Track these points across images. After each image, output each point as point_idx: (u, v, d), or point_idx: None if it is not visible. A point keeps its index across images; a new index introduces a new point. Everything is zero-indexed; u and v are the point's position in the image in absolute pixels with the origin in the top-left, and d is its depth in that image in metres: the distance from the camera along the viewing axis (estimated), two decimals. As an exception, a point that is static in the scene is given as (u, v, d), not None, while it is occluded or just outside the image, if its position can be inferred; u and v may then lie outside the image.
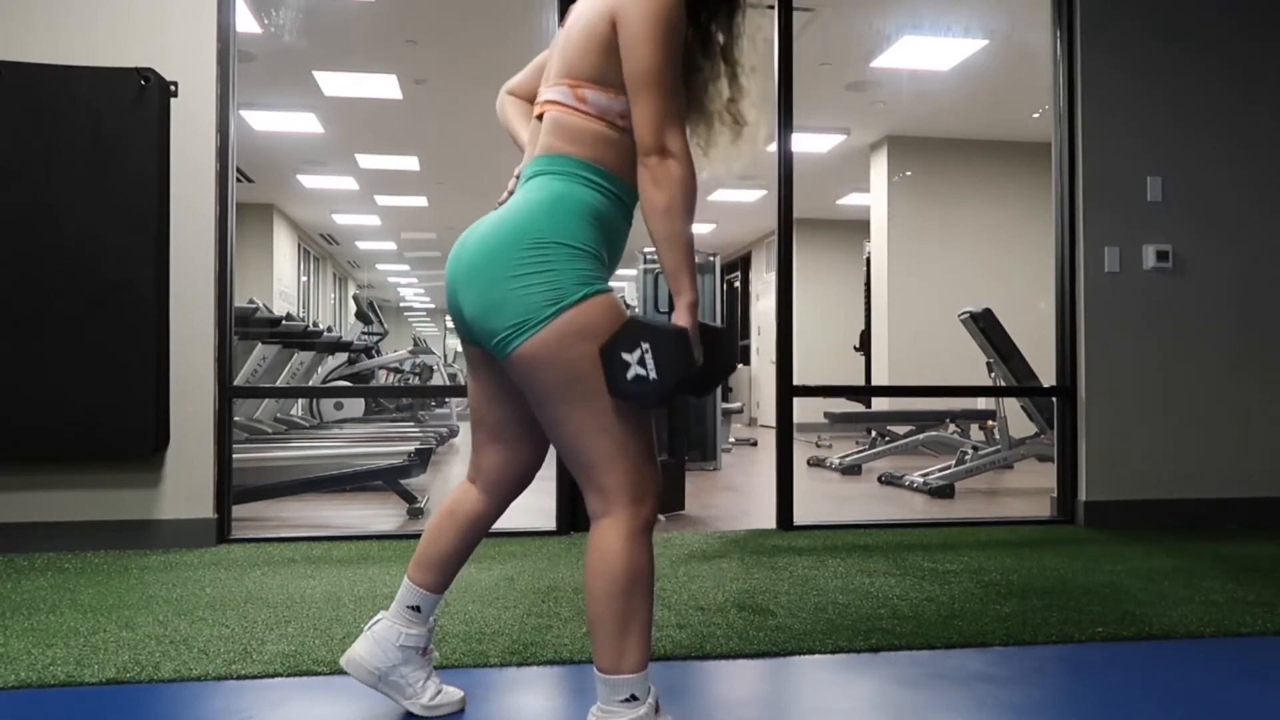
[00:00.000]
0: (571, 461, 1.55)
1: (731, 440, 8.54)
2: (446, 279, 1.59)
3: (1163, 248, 4.08)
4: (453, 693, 1.82)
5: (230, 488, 3.60)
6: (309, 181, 10.48)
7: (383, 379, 11.15)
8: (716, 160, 1.71)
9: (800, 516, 3.99)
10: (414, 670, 1.76)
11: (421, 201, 11.49)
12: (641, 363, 1.44)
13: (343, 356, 9.31)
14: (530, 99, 1.81)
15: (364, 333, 9.76)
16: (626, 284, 15.49)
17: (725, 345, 1.59)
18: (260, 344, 6.57)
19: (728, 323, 13.78)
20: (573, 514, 3.76)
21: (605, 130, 1.55)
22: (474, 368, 1.71)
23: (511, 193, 1.67)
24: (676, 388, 1.46)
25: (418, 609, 1.76)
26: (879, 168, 8.62)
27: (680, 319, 1.49)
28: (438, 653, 2.10)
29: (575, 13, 1.61)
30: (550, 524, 3.76)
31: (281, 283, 12.27)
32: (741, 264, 14.10)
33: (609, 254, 1.57)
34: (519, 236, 1.49)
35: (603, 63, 1.53)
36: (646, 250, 6.65)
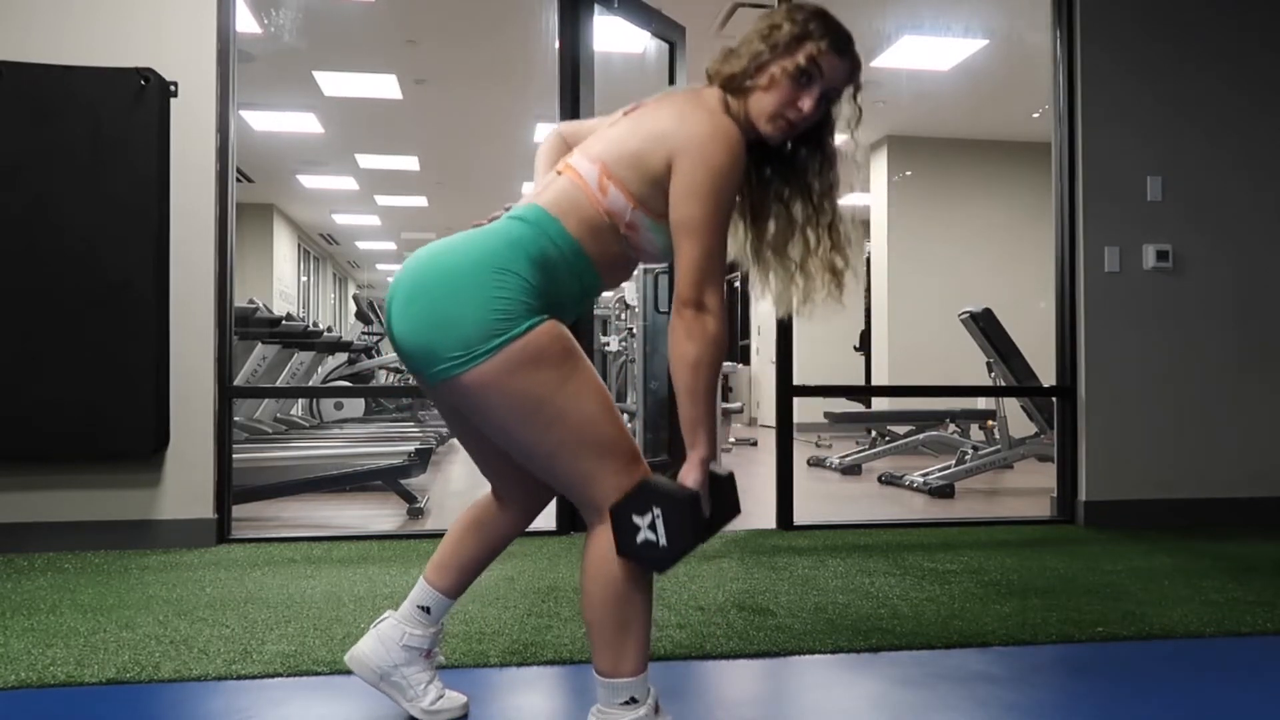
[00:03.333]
0: (552, 482, 1.55)
1: (731, 440, 8.54)
2: (389, 295, 1.55)
3: (1163, 248, 4.08)
4: (456, 697, 1.81)
5: (230, 488, 3.59)
6: (309, 181, 10.48)
7: (383, 379, 11.15)
8: (809, 306, 1.68)
9: (800, 516, 3.99)
10: (417, 672, 1.76)
11: (421, 201, 11.49)
12: (652, 527, 1.43)
13: (343, 356, 9.30)
14: (574, 145, 1.77)
15: (364, 333, 9.76)
16: (628, 284, 15.45)
17: (729, 493, 1.58)
18: (260, 344, 6.57)
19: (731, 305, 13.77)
20: (573, 514, 3.76)
21: (605, 223, 1.54)
22: (442, 409, 1.68)
23: (492, 219, 1.66)
24: (687, 552, 1.44)
25: (427, 610, 1.76)
26: (879, 168, 8.62)
27: (691, 475, 1.47)
28: (442, 657, 2.10)
29: (640, 121, 1.57)
30: (550, 524, 3.76)
31: (281, 283, 12.27)
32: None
33: (551, 307, 1.51)
34: (480, 263, 1.46)
35: (642, 185, 1.52)
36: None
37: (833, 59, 1.59)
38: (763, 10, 1.66)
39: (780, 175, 1.69)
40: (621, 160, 1.53)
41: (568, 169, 1.59)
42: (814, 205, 1.67)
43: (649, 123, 1.56)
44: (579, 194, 1.55)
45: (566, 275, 1.53)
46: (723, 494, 1.55)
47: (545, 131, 8.62)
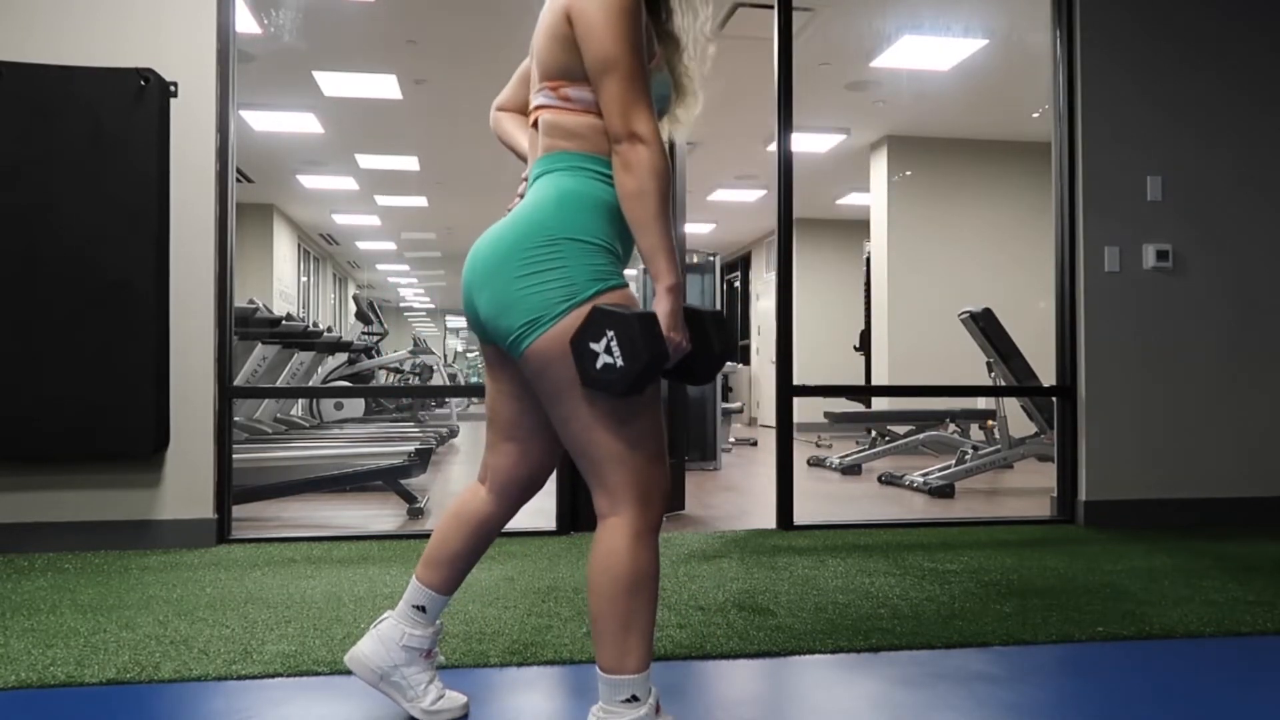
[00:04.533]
0: (580, 459, 1.55)
1: (731, 440, 8.54)
2: (463, 284, 1.60)
3: (1163, 248, 4.08)
4: (456, 697, 1.81)
5: (230, 488, 3.60)
6: (309, 181, 10.48)
7: (383, 379, 11.15)
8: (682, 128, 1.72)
9: (800, 516, 3.99)
10: (417, 672, 1.76)
11: (421, 201, 11.48)
12: (609, 350, 1.43)
13: (343, 356, 9.31)
14: (520, 110, 1.82)
15: (364, 333, 9.76)
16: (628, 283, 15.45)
17: (717, 331, 1.56)
18: (260, 344, 6.57)
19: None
20: (573, 514, 3.76)
21: (596, 120, 1.55)
22: (490, 366, 1.72)
23: (521, 195, 1.68)
24: (647, 373, 1.43)
25: (423, 609, 1.76)
26: (879, 167, 8.62)
27: (661, 303, 1.47)
28: (443, 656, 2.10)
29: (540, 18, 1.62)
30: (550, 524, 3.76)
31: (281, 283, 12.27)
32: (741, 264, 14.10)
33: (622, 245, 1.57)
34: (530, 235, 1.50)
35: (569, 59, 1.54)
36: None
37: None
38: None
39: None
40: (549, 59, 1.55)
41: (535, 111, 1.62)
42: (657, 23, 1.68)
43: (545, 14, 1.58)
44: (558, 117, 1.56)
45: (614, 196, 1.53)
46: (708, 329, 1.55)
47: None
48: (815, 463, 6.82)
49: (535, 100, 1.62)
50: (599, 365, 1.43)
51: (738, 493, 5.26)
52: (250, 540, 3.56)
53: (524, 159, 1.78)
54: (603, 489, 1.52)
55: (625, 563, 1.48)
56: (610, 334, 1.43)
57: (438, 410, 10.67)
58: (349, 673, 1.79)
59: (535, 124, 1.62)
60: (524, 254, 1.49)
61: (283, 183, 10.52)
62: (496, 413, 1.73)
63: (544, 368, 1.49)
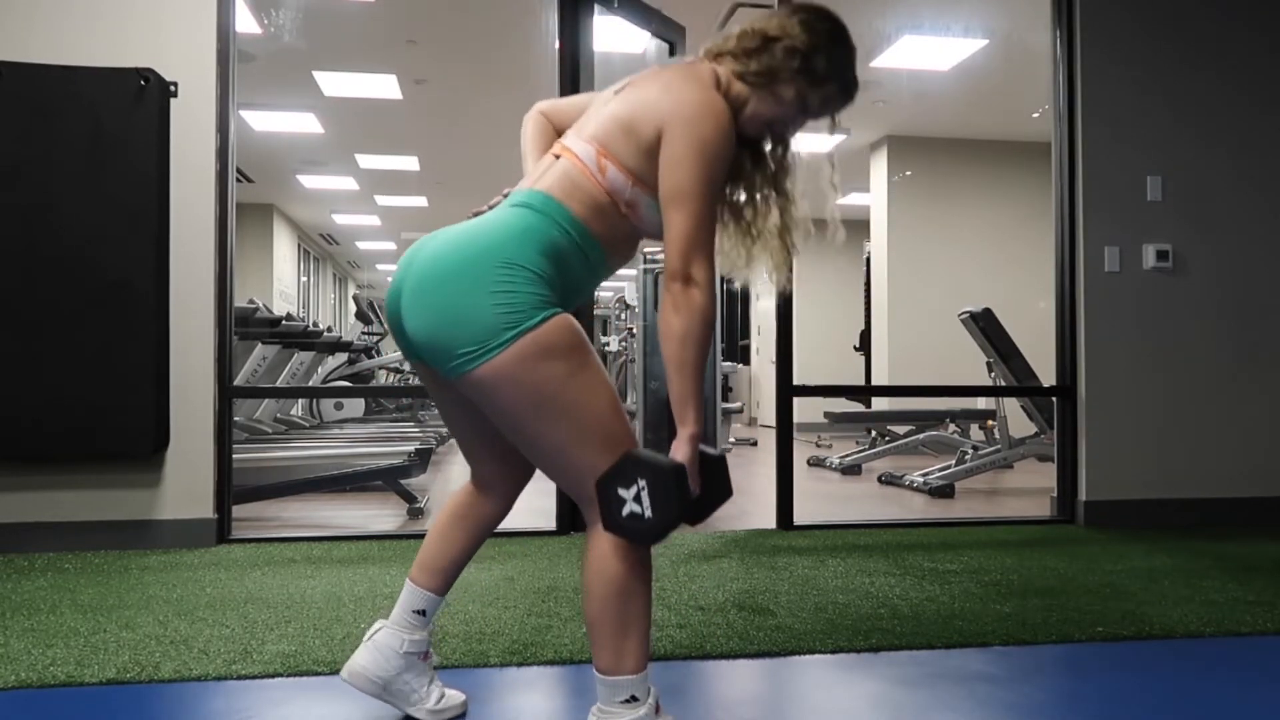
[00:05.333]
0: (556, 478, 1.55)
1: (731, 440, 8.54)
2: (392, 286, 1.55)
3: (1163, 248, 4.08)
4: (455, 696, 1.81)
5: (230, 488, 3.59)
6: (309, 181, 10.48)
7: (383, 379, 11.14)
8: (750, 274, 1.71)
9: (800, 516, 3.99)
10: (417, 676, 1.75)
11: (421, 201, 11.49)
12: (638, 500, 1.41)
13: (343, 356, 9.30)
14: (559, 129, 1.78)
15: (364, 333, 9.76)
16: (626, 284, 15.47)
17: (721, 473, 1.57)
18: (260, 344, 6.57)
19: (731, 314, 13.79)
20: (573, 514, 3.76)
21: (608, 204, 1.55)
22: (429, 383, 1.67)
23: (491, 207, 1.65)
24: (674, 525, 1.43)
25: (422, 613, 1.75)
26: (879, 167, 8.62)
27: (680, 450, 1.46)
28: (437, 656, 2.10)
29: (629, 94, 1.58)
30: (550, 524, 3.75)
31: (281, 283, 12.27)
32: (741, 264, 14.05)
33: (564, 295, 1.53)
34: (491, 253, 1.46)
35: (636, 158, 1.53)
36: (647, 250, 6.64)
37: (840, 104, 1.67)
38: (767, 12, 1.67)
39: (745, 150, 1.71)
40: (616, 136, 1.54)
41: (565, 151, 1.59)
42: (769, 180, 1.70)
43: (640, 94, 1.57)
44: (579, 176, 1.55)
45: (576, 259, 1.53)
46: (714, 475, 1.54)
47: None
48: (815, 463, 6.82)
49: (572, 144, 1.59)
50: (625, 513, 1.42)
51: (737, 493, 5.24)
52: (250, 540, 3.56)
53: (523, 168, 1.78)
54: (586, 501, 1.51)
55: (618, 565, 1.48)
56: (641, 484, 1.41)
57: (438, 410, 10.66)
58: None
59: (557, 156, 1.61)
60: (482, 270, 1.44)
61: (283, 183, 10.52)
62: (453, 425, 1.72)
63: (492, 393, 1.45)
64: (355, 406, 9.08)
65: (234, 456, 3.68)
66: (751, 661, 2.15)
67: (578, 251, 1.54)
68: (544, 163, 1.64)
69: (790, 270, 1.71)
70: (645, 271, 6.82)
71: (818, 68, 1.62)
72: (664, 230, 1.49)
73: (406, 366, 11.88)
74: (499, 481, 1.76)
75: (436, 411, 10.42)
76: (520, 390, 1.44)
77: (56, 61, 3.34)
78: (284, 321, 7.05)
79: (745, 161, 1.70)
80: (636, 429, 4.52)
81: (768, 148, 1.71)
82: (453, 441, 8.58)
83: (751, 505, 4.73)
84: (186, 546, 3.44)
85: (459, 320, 1.43)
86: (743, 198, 1.70)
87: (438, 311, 1.45)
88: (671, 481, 1.41)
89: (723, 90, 1.60)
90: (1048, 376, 4.37)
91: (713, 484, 1.54)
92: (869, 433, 7.58)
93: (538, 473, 1.73)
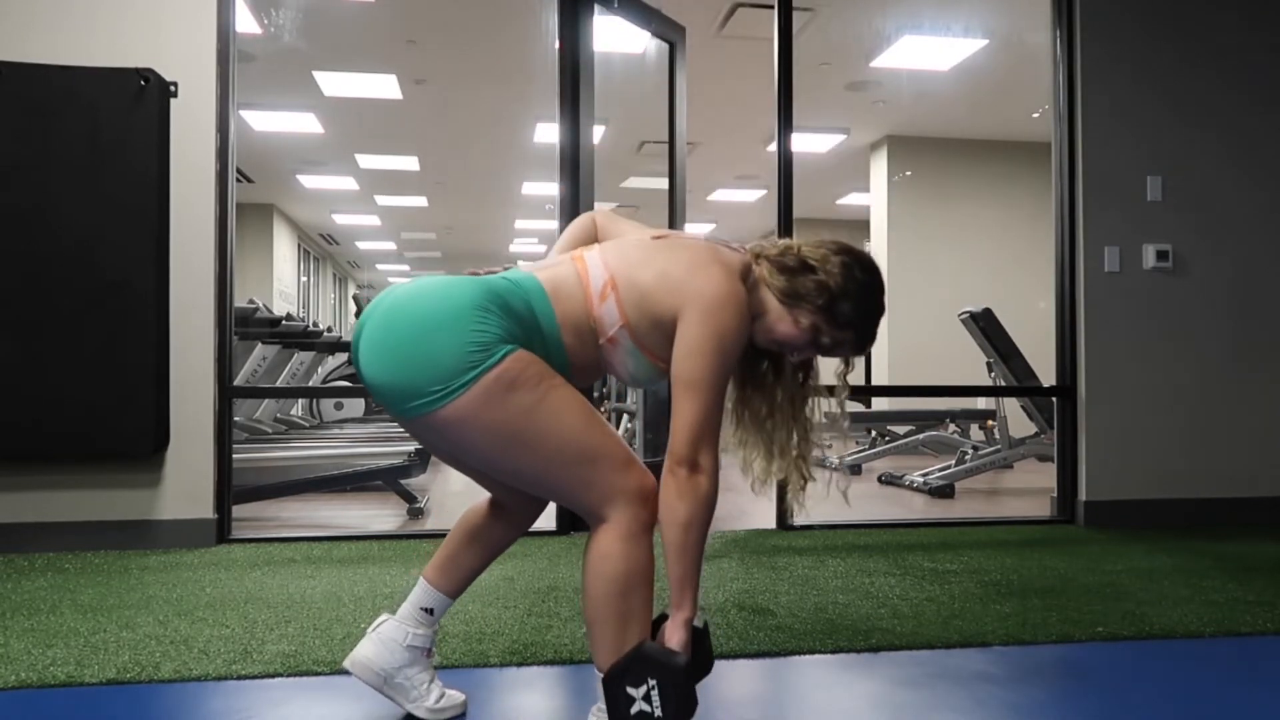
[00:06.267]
0: (548, 497, 1.56)
1: (731, 440, 8.53)
2: (355, 333, 1.55)
3: (1163, 248, 4.08)
4: (455, 695, 1.81)
5: (230, 488, 3.59)
6: (309, 181, 10.48)
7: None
8: (757, 484, 1.73)
9: (800, 516, 3.98)
10: (419, 672, 1.76)
11: (421, 201, 11.48)
12: (647, 699, 1.43)
13: (343, 356, 9.29)
14: (603, 237, 1.78)
15: (364, 333, 9.73)
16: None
17: (704, 646, 1.59)
18: (260, 344, 6.57)
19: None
20: (573, 514, 3.76)
21: (589, 326, 1.56)
22: (410, 432, 1.67)
23: (490, 273, 1.65)
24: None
25: (431, 611, 1.77)
26: (879, 167, 8.62)
27: (676, 634, 1.48)
28: (437, 655, 2.10)
29: (663, 259, 1.57)
30: (550, 524, 3.75)
31: (281, 283, 12.27)
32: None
33: (533, 343, 1.52)
34: (464, 301, 1.47)
35: (640, 317, 1.54)
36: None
37: (851, 352, 1.70)
38: (816, 240, 1.69)
39: (766, 357, 1.73)
40: (631, 285, 1.55)
41: (579, 260, 1.60)
42: (789, 402, 1.72)
43: (666, 261, 1.56)
44: (577, 288, 1.56)
45: (539, 346, 1.53)
46: (700, 647, 1.57)
47: (546, 132, 8.61)
48: (815, 463, 6.81)
49: (591, 259, 1.59)
50: (634, 712, 1.43)
51: (737, 493, 5.25)
52: (250, 540, 3.56)
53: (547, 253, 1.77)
54: (584, 512, 1.54)
55: (617, 564, 1.49)
56: (652, 683, 1.42)
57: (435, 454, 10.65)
58: (349, 674, 1.80)
59: (574, 259, 1.62)
60: (461, 312, 1.46)
61: (283, 183, 10.52)
62: (455, 466, 1.73)
63: (458, 432, 1.46)
64: (355, 406, 9.08)
65: (234, 456, 3.68)
66: (751, 661, 2.15)
67: (543, 342, 1.54)
68: (559, 259, 1.65)
69: (803, 492, 1.74)
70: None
71: (842, 311, 1.64)
72: (673, 414, 1.50)
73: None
74: (515, 505, 1.77)
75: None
76: (488, 428, 1.45)
77: (56, 61, 3.34)
78: (284, 321, 7.05)
79: (769, 374, 1.73)
80: (636, 429, 4.52)
81: (788, 369, 1.73)
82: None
83: (751, 505, 4.73)
84: (186, 546, 3.44)
85: (420, 363, 1.44)
86: (765, 411, 1.72)
87: (399, 354, 1.46)
88: (683, 680, 1.44)
89: (749, 285, 1.61)
90: (1048, 376, 4.37)
91: (698, 657, 1.55)
92: (869, 433, 7.58)
93: None
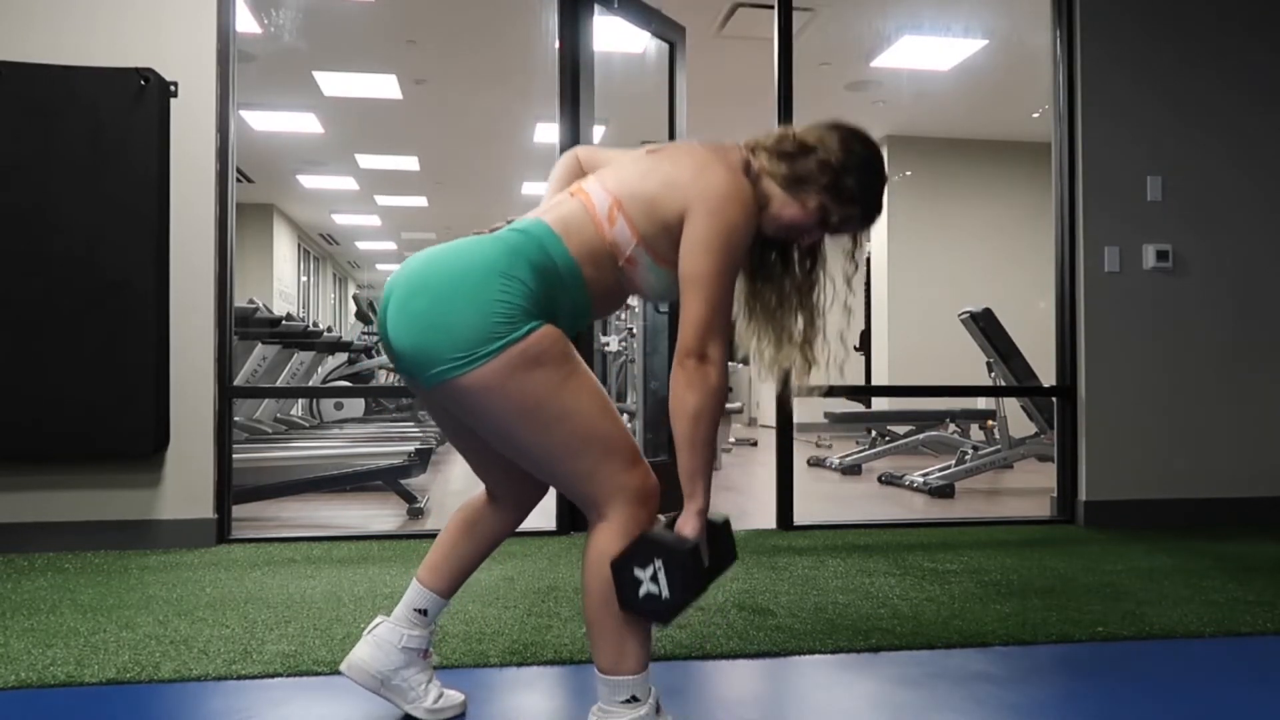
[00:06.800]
0: (553, 483, 1.56)
1: (731, 440, 8.54)
2: (382, 300, 1.55)
3: (1163, 248, 4.08)
4: (454, 696, 1.81)
5: (230, 488, 3.59)
6: (309, 181, 10.48)
7: (383, 379, 11.14)
8: (770, 374, 1.73)
9: (800, 516, 3.99)
10: (416, 673, 1.76)
11: (421, 201, 11.49)
12: (654, 580, 1.43)
13: (343, 356, 9.30)
14: (589, 170, 1.78)
15: (364, 333, 9.76)
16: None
17: (725, 538, 1.59)
18: (260, 344, 6.57)
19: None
20: (573, 514, 3.76)
21: (605, 252, 1.56)
22: (430, 409, 1.69)
23: (494, 230, 1.66)
24: (690, 603, 1.45)
25: (424, 612, 1.76)
26: (879, 168, 8.61)
27: (689, 525, 1.49)
28: (436, 656, 2.10)
29: (659, 165, 1.59)
30: (550, 524, 3.76)
31: (281, 283, 12.27)
32: (741, 264, 14.07)
33: (549, 317, 1.52)
34: (489, 265, 1.47)
35: (651, 226, 1.55)
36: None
37: (859, 226, 1.69)
38: (810, 124, 1.69)
39: (774, 247, 1.74)
40: (635, 198, 1.55)
41: (580, 192, 1.61)
42: (796, 290, 1.73)
43: (669, 167, 1.57)
44: (586, 218, 1.56)
45: (562, 293, 1.54)
46: (719, 541, 1.56)
47: (546, 132, 8.60)
48: (815, 463, 6.82)
49: (590, 189, 1.60)
50: (642, 594, 1.43)
51: (738, 493, 5.26)
52: (250, 540, 3.56)
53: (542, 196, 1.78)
54: (583, 502, 1.53)
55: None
56: (658, 564, 1.43)
57: (428, 411, 10.66)
58: (348, 674, 1.80)
59: (572, 194, 1.62)
60: (479, 277, 1.46)
61: (283, 183, 10.52)
62: (461, 448, 1.73)
63: (478, 402, 1.46)
64: (355, 406, 9.08)
65: (234, 456, 3.68)
66: (751, 661, 2.15)
67: (564, 286, 1.54)
68: (558, 198, 1.65)
69: (809, 375, 1.74)
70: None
71: (846, 186, 1.64)
72: (681, 309, 1.50)
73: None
74: (511, 496, 1.77)
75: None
76: (508, 400, 1.44)
77: (56, 61, 3.34)
78: (284, 321, 7.05)
79: (776, 264, 1.73)
80: (636, 428, 4.52)
81: (796, 255, 1.74)
82: (453, 441, 8.60)
83: (751, 505, 4.73)
84: (186, 546, 3.44)
85: (445, 328, 1.44)
86: (774, 301, 1.73)
87: (424, 319, 1.46)
88: (689, 562, 1.44)
89: (751, 179, 1.62)
90: (1048, 376, 4.38)
91: (718, 550, 1.55)
92: (869, 433, 7.58)
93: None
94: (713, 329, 1.49)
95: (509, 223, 1.64)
